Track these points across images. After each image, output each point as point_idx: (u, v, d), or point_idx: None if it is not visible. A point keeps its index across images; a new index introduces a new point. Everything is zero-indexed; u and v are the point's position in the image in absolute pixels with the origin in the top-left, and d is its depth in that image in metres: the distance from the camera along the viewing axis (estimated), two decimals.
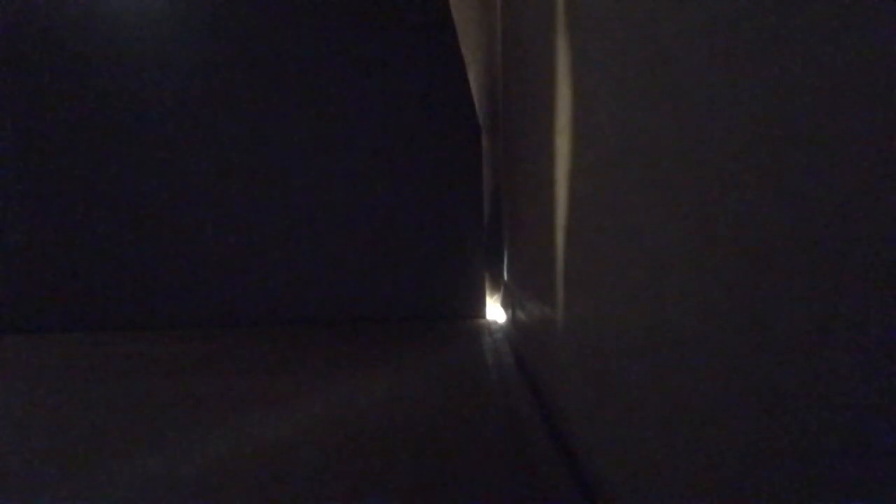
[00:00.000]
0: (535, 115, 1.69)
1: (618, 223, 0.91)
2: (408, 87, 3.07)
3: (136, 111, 3.10)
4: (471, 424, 1.56)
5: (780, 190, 0.47)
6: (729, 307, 0.55)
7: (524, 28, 1.91)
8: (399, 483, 1.23)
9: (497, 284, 3.20)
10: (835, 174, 0.40)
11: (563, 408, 1.39)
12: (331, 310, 3.20)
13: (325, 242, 3.17)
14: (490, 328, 2.95)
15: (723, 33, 0.56)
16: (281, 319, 3.20)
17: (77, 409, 1.78)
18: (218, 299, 3.19)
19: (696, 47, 0.62)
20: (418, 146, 3.12)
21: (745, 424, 0.53)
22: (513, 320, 2.57)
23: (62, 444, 1.51)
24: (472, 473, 1.27)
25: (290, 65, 3.07)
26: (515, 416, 1.61)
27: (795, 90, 0.45)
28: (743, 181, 0.53)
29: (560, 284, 1.39)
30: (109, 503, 1.19)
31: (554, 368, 1.49)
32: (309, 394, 1.88)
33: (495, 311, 3.21)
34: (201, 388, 1.98)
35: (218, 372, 2.21)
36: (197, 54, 3.06)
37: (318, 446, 1.44)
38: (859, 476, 0.39)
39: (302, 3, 3.03)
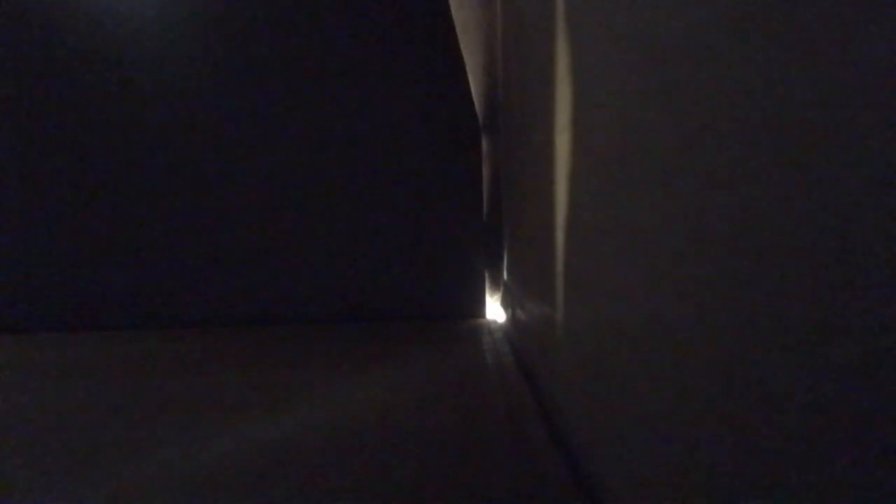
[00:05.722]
0: (535, 115, 1.69)
1: (618, 223, 0.91)
2: (408, 87, 3.07)
3: (136, 112, 3.10)
4: (471, 424, 1.56)
5: (780, 189, 0.47)
6: (728, 307, 0.55)
7: (524, 28, 1.91)
8: (399, 483, 1.23)
9: (497, 284, 3.20)
10: (834, 173, 0.40)
11: (562, 408, 1.39)
12: (331, 310, 3.20)
13: (326, 242, 3.17)
14: (490, 328, 2.95)
15: (723, 32, 0.56)
16: (281, 319, 3.20)
17: (77, 409, 1.78)
18: (218, 299, 3.19)
19: (696, 47, 0.62)
20: (418, 146, 3.12)
21: (745, 424, 0.53)
22: (513, 320, 2.57)
23: (62, 444, 1.50)
24: (471, 473, 1.27)
25: (291, 65, 3.07)
26: (515, 416, 1.61)
27: (796, 89, 0.45)
28: (743, 181, 0.53)
29: (560, 284, 1.39)
30: (109, 503, 1.19)
31: (554, 368, 1.49)
32: (309, 394, 1.88)
33: (495, 311, 3.21)
34: (201, 388, 1.98)
35: (218, 372, 2.21)
36: (197, 54, 3.06)
37: (318, 446, 1.44)
38: (859, 476, 0.39)
39: (302, 3, 3.03)
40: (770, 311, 0.48)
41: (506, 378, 2.00)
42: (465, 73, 3.01)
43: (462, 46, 2.94)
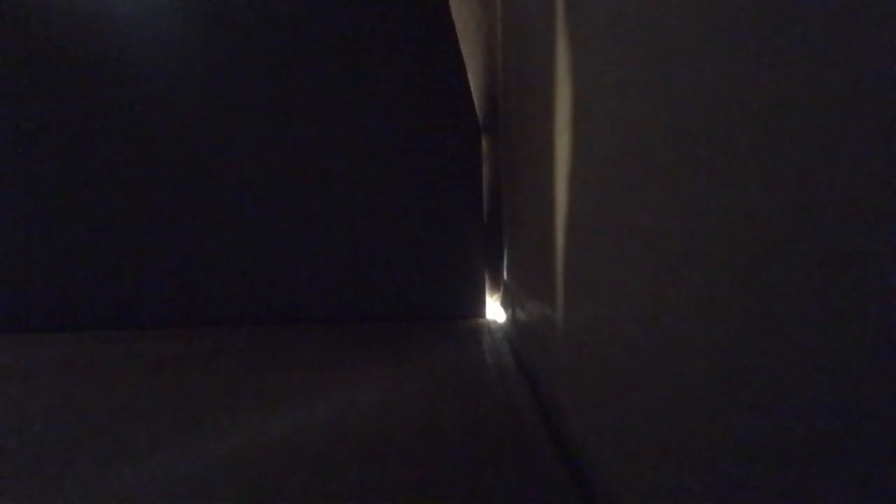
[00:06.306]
0: (535, 115, 1.69)
1: (618, 223, 0.91)
2: (408, 87, 3.07)
3: (134, 111, 3.10)
4: (471, 424, 1.56)
5: (781, 188, 0.47)
6: (729, 306, 0.55)
7: (524, 28, 1.91)
8: (398, 483, 1.23)
9: (497, 284, 3.20)
10: (835, 172, 0.40)
11: (563, 408, 1.39)
12: (331, 310, 3.20)
13: (325, 242, 3.17)
14: (490, 328, 2.95)
15: (723, 31, 0.56)
16: (281, 319, 3.20)
17: (77, 409, 1.78)
18: (218, 299, 3.19)
19: (696, 46, 0.62)
20: (418, 146, 3.12)
21: (746, 424, 0.53)
22: (513, 320, 2.57)
23: (62, 444, 1.51)
24: (471, 473, 1.27)
25: (290, 64, 3.07)
26: (515, 417, 1.61)
27: (796, 87, 0.45)
28: (743, 180, 0.53)
29: (560, 284, 1.39)
30: (109, 503, 1.19)
31: (554, 368, 1.49)
32: (308, 394, 1.88)
33: (495, 310, 3.21)
34: (201, 388, 1.98)
35: (218, 372, 2.21)
36: (194, 53, 3.06)
37: (318, 446, 1.44)
38: (859, 476, 0.39)
39: (302, 3, 3.03)
40: (772, 309, 0.48)
41: (506, 378, 2.00)
42: (465, 73, 3.01)
43: (462, 46, 2.94)
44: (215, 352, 2.58)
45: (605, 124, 0.97)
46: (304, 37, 3.05)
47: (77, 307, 3.19)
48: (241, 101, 3.08)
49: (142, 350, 2.64)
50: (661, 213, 0.73)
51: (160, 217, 3.15)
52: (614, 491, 0.96)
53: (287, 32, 3.05)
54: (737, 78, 0.53)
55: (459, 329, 2.95)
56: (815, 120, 0.42)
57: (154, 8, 3.02)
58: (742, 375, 0.53)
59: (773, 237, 0.48)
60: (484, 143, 3.14)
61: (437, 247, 3.17)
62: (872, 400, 0.37)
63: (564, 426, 1.36)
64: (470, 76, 3.02)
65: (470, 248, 3.19)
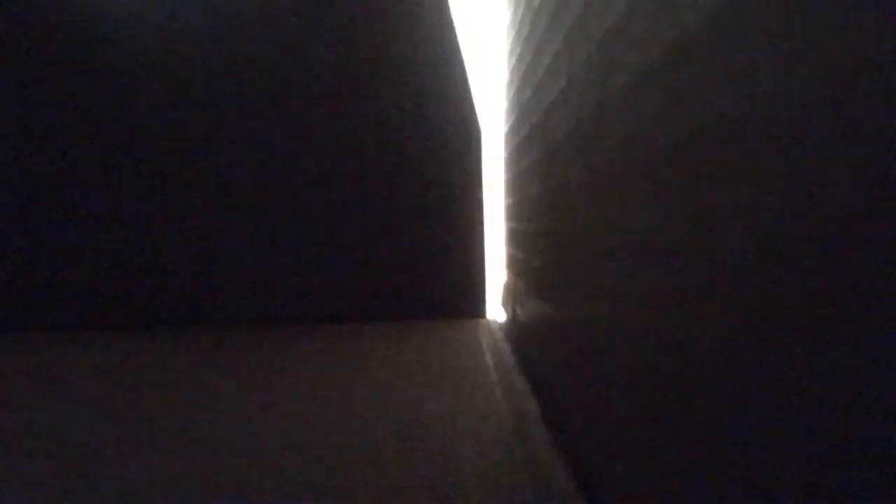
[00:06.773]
0: (536, 116, 1.69)
1: (618, 223, 0.92)
2: (408, 87, 3.08)
3: (135, 113, 3.10)
4: (471, 424, 1.57)
5: (780, 190, 0.47)
6: (729, 307, 0.56)
7: (525, 29, 1.91)
8: (399, 482, 1.23)
9: (497, 284, 3.21)
10: (836, 173, 0.41)
11: (563, 407, 1.39)
12: (331, 310, 3.21)
13: (326, 243, 3.17)
14: (490, 327, 2.95)
15: (723, 33, 0.56)
16: (281, 319, 3.20)
17: (78, 409, 1.79)
18: (218, 299, 3.20)
19: (696, 48, 0.62)
20: (419, 147, 3.12)
21: (744, 424, 0.53)
22: (513, 320, 2.57)
23: (63, 443, 1.51)
24: (472, 473, 1.27)
25: (293, 66, 3.08)
26: (515, 416, 1.62)
27: (796, 89, 0.45)
28: (743, 182, 0.53)
29: (560, 284, 1.39)
30: (109, 503, 1.19)
31: (554, 368, 1.50)
32: (309, 393, 1.89)
33: (495, 310, 3.21)
34: (202, 388, 1.98)
35: (218, 371, 2.21)
36: (197, 55, 3.07)
37: (318, 445, 1.45)
38: (859, 475, 0.39)
39: (304, 4, 3.03)
40: (771, 310, 0.49)
41: (506, 377, 2.00)
42: (465, 73, 3.02)
43: (462, 46, 2.94)
44: (215, 352, 2.58)
45: (606, 126, 0.98)
46: (306, 39, 3.05)
47: (78, 307, 3.20)
48: (242, 102, 3.09)
49: (142, 350, 2.65)
50: (662, 214, 0.73)
51: (160, 218, 3.15)
52: (614, 490, 0.96)
53: (290, 34, 3.05)
54: (736, 79, 0.54)
55: (460, 328, 2.96)
56: (816, 120, 0.43)
57: (156, 9, 3.02)
58: (742, 375, 0.53)
59: (773, 238, 0.48)
60: (485, 144, 3.15)
61: (437, 247, 3.18)
62: (873, 400, 0.37)
63: (565, 425, 1.36)
64: (470, 77, 3.02)
65: (470, 248, 3.19)
